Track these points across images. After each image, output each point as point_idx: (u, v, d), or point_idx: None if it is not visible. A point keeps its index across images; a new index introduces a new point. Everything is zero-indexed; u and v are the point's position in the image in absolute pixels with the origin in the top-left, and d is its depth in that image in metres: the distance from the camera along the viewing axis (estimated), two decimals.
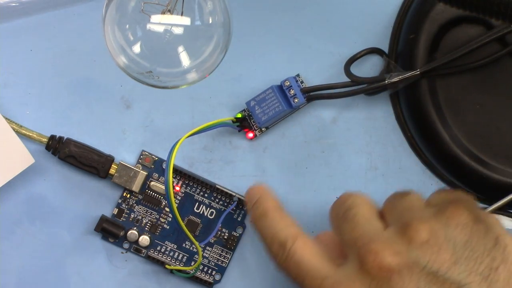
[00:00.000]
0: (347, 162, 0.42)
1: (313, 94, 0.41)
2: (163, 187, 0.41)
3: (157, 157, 0.41)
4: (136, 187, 0.41)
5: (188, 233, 0.37)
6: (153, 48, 0.36)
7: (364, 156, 0.42)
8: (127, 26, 0.35)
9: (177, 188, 0.41)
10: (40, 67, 0.42)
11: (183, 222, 0.40)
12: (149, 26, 0.35)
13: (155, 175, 0.41)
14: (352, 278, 0.29)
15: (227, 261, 0.41)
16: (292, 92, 0.40)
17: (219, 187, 0.41)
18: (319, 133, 0.42)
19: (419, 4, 0.41)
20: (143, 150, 0.41)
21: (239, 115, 0.41)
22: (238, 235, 0.41)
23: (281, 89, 0.40)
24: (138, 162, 0.41)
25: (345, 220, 0.31)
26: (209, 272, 0.41)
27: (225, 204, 0.41)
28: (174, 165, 0.40)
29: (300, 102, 0.40)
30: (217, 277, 0.41)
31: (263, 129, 0.42)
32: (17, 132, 0.40)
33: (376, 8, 0.42)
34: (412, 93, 0.40)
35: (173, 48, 0.36)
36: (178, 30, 0.35)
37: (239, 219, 0.41)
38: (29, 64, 0.42)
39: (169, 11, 0.35)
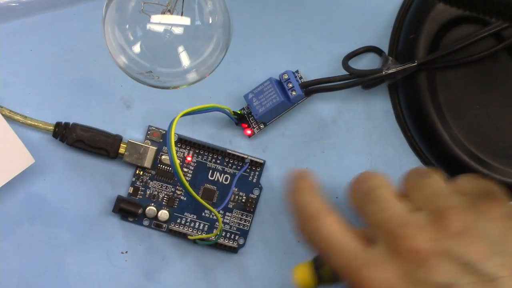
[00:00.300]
0: (347, 162, 0.42)
1: (311, 88, 0.41)
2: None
3: (164, 130, 0.41)
4: (147, 163, 0.41)
5: (201, 200, 0.36)
6: (153, 48, 0.36)
7: (364, 156, 0.42)
8: (127, 26, 0.35)
9: (189, 159, 0.41)
10: (40, 67, 0.42)
11: (199, 191, 0.41)
12: (149, 26, 0.35)
13: (165, 148, 0.41)
14: (383, 260, 0.29)
15: (249, 224, 0.41)
16: (290, 85, 0.40)
17: (229, 151, 0.41)
18: (319, 133, 0.42)
19: (419, 4, 0.41)
20: (149, 126, 0.41)
21: (239, 112, 0.41)
22: (255, 196, 0.41)
23: (279, 82, 0.40)
24: (146, 138, 0.41)
25: (370, 201, 0.31)
26: (232, 237, 0.41)
27: (238, 167, 0.41)
28: (182, 136, 0.41)
29: (298, 95, 0.40)
30: (241, 241, 0.41)
31: (261, 126, 0.41)
32: (23, 123, 0.40)
33: (376, 8, 0.42)
34: (410, 87, 0.40)
35: (173, 48, 0.36)
36: (178, 30, 0.35)
37: (254, 180, 0.41)
38: (29, 64, 0.42)
39: (169, 11, 0.35)
